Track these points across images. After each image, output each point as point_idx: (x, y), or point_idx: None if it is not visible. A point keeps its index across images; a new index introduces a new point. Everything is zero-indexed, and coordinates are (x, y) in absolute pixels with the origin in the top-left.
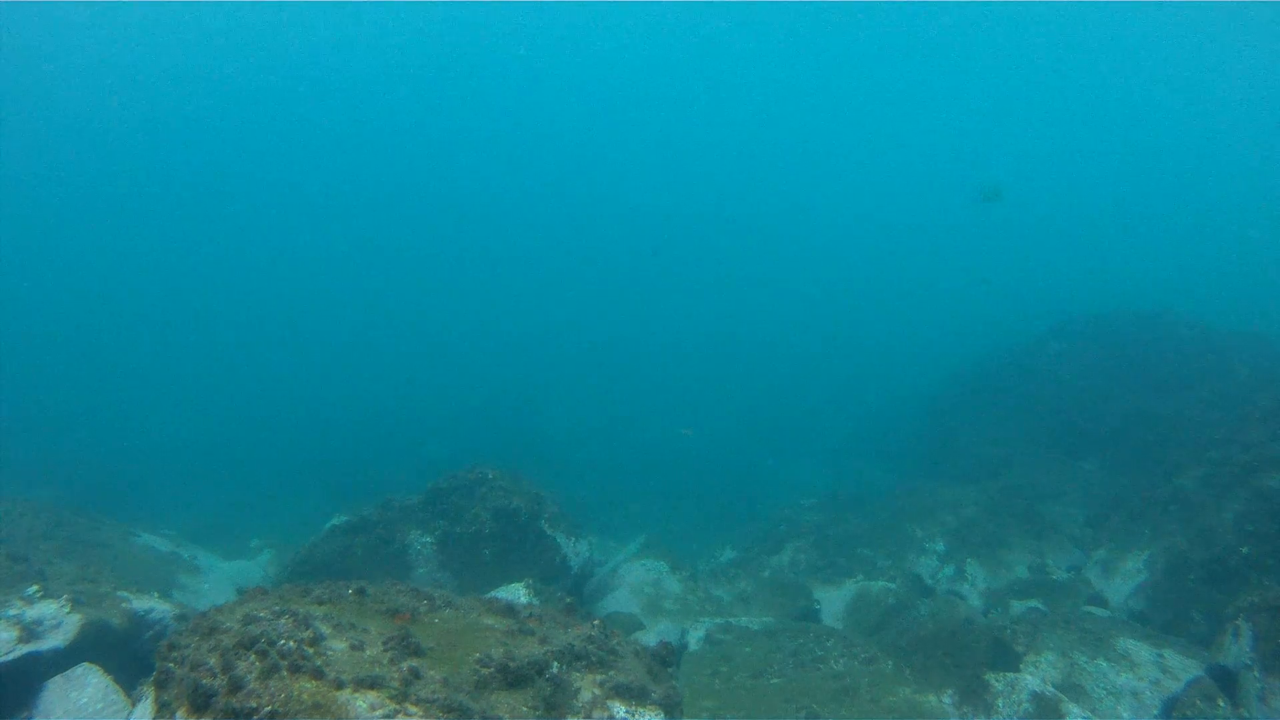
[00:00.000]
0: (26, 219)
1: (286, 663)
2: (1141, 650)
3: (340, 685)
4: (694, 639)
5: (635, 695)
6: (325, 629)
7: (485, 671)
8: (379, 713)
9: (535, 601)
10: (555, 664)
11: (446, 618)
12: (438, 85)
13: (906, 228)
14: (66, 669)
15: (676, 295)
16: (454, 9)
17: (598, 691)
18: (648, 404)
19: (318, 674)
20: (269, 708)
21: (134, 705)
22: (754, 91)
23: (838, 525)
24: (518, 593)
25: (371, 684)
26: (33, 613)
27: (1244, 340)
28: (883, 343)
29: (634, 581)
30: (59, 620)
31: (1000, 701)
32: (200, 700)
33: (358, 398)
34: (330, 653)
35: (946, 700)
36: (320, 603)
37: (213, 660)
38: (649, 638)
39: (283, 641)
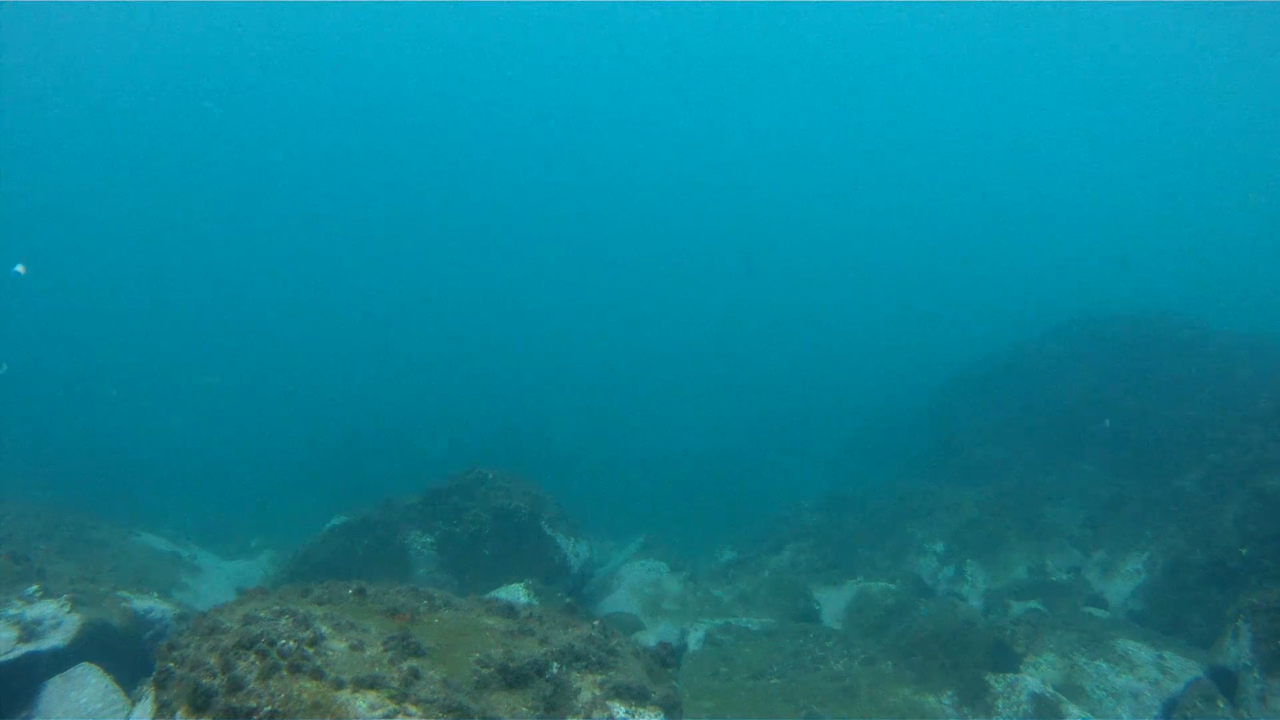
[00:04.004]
0: (27, 219)
1: (286, 663)
2: (1141, 651)
3: (340, 685)
4: (694, 639)
5: (635, 696)
6: (325, 629)
7: (485, 672)
8: (379, 713)
9: (535, 602)
10: (555, 664)
11: (446, 618)
12: (440, 85)
13: (907, 229)
14: (66, 669)
15: (677, 296)
16: (455, 9)
17: (598, 692)
18: (648, 405)
19: (318, 674)
20: (269, 708)
21: (134, 705)
22: (756, 92)
23: (838, 526)
24: (517, 593)
25: (371, 684)
26: (32, 612)
27: (1244, 341)
28: (883, 344)
29: (634, 582)
30: (59, 620)
31: (1000, 703)
32: (200, 700)
33: (358, 398)
34: (330, 653)
35: (946, 701)
36: (320, 603)
37: (213, 660)
38: (649, 638)
39: (283, 641)
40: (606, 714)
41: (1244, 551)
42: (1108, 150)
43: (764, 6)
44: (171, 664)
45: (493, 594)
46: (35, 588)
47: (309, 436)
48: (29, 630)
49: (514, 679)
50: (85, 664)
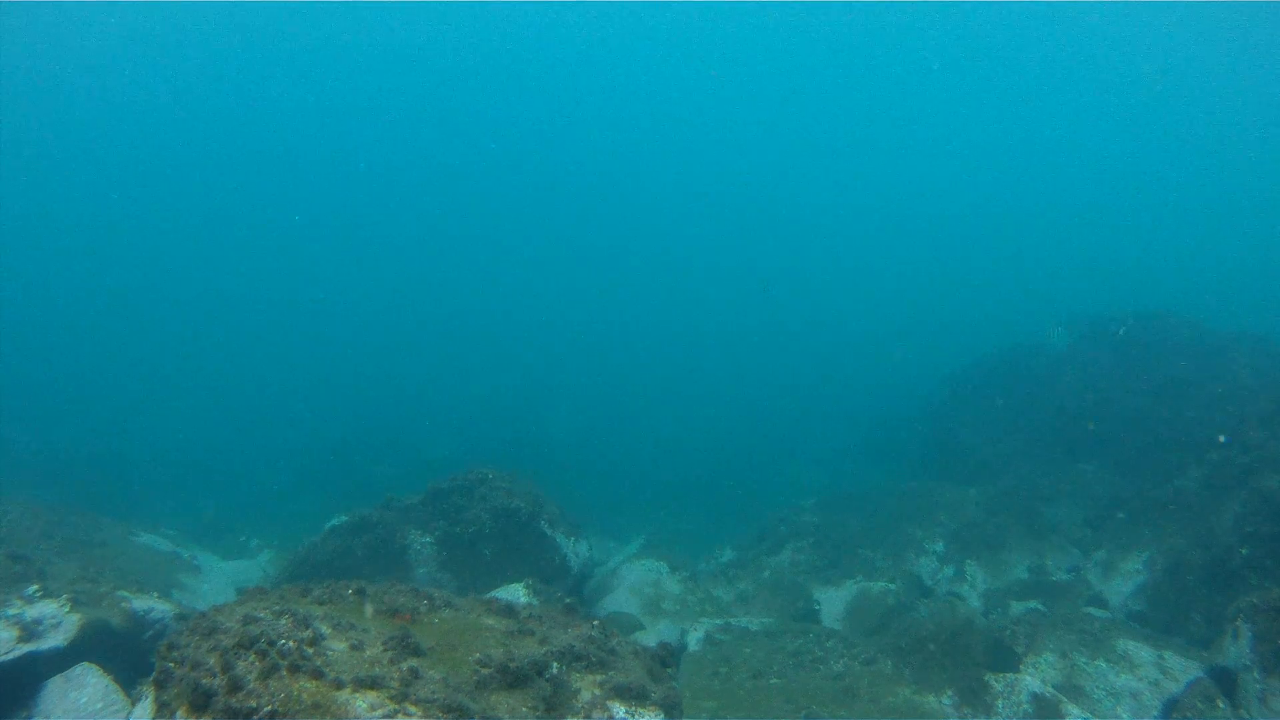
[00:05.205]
0: (27, 219)
1: (286, 663)
2: (1141, 651)
3: (340, 685)
4: (694, 639)
5: (635, 696)
6: (325, 629)
7: (485, 671)
8: (379, 713)
9: (535, 602)
10: (555, 664)
11: (446, 618)
12: (438, 85)
13: (907, 229)
14: (66, 669)
15: (677, 296)
16: (454, 9)
17: (597, 692)
18: (648, 405)
19: (317, 674)
20: (269, 708)
21: (134, 705)
22: (755, 92)
23: (837, 526)
24: (517, 593)
25: (371, 684)
26: (32, 612)
27: (1244, 341)
28: (883, 343)
29: (634, 582)
30: (59, 620)
31: (1000, 702)
32: (200, 700)
33: (358, 398)
34: (330, 653)
35: (946, 701)
36: (320, 603)
37: (212, 660)
38: (649, 638)
39: (282, 641)
40: (606, 714)
41: (1244, 551)
42: (1107, 150)
43: (762, 7)
44: (171, 664)
45: (493, 594)
46: (35, 588)
47: (309, 436)
48: (29, 630)
49: (514, 679)
50: (85, 664)
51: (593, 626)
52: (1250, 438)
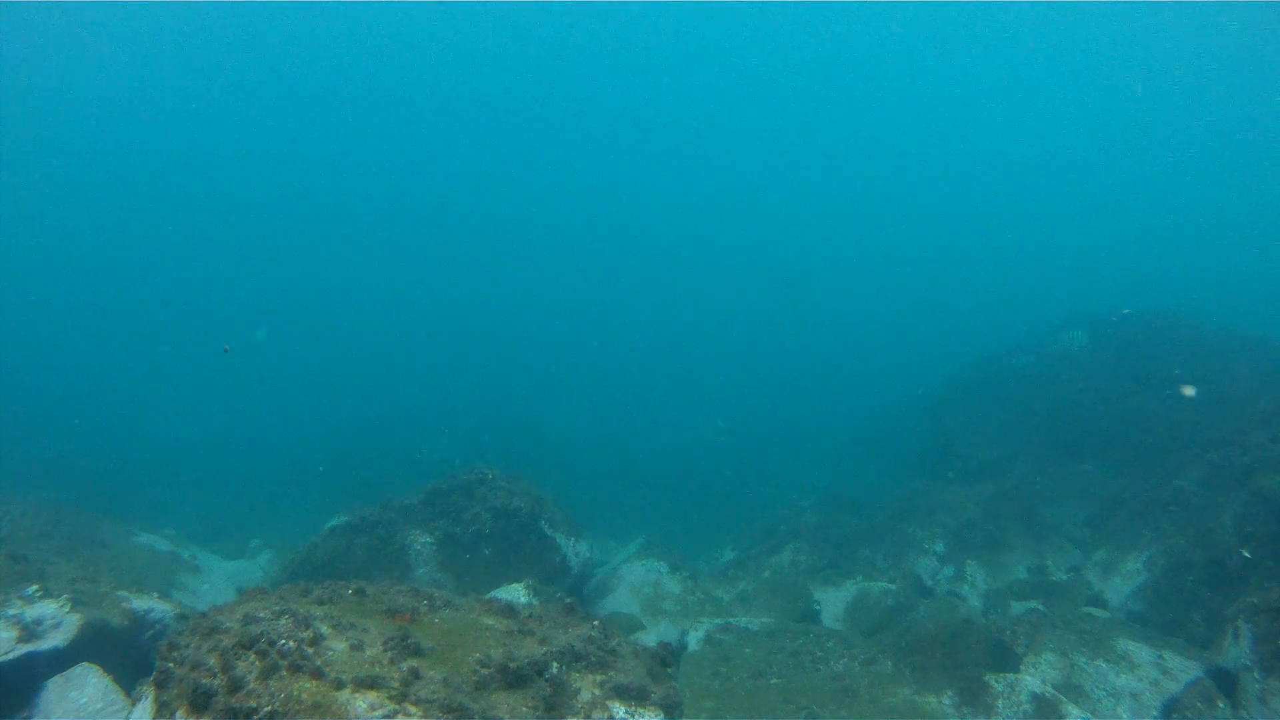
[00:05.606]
0: (27, 219)
1: (286, 663)
2: (1141, 651)
3: (340, 685)
4: (694, 639)
5: (635, 696)
6: (325, 629)
7: (485, 672)
8: (378, 713)
9: (535, 602)
10: (555, 664)
11: (446, 618)
12: (438, 85)
13: (907, 230)
14: (66, 669)
15: (677, 297)
16: (454, 9)
17: (597, 692)
18: (649, 405)
19: (317, 674)
20: (269, 708)
21: (134, 705)
22: (757, 93)
23: (838, 526)
24: (517, 593)
25: (371, 684)
26: (32, 612)
27: (1244, 341)
28: (883, 344)
29: (634, 582)
30: (59, 620)
31: (1000, 703)
32: (200, 700)
33: (358, 398)
34: (330, 653)
35: (946, 701)
36: (320, 603)
37: (213, 660)
38: (649, 638)
39: (283, 641)
40: (606, 714)
41: (1245, 553)
42: (1107, 150)
43: (760, 7)
44: (171, 664)
45: (493, 594)
46: (35, 588)
47: (309, 437)
48: (29, 630)
49: (514, 679)
50: (85, 664)
51: (593, 626)
52: (1250, 438)
